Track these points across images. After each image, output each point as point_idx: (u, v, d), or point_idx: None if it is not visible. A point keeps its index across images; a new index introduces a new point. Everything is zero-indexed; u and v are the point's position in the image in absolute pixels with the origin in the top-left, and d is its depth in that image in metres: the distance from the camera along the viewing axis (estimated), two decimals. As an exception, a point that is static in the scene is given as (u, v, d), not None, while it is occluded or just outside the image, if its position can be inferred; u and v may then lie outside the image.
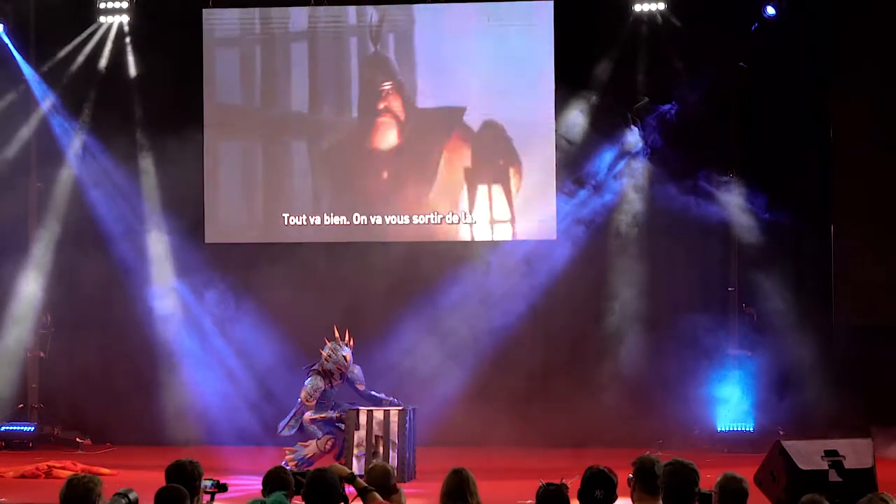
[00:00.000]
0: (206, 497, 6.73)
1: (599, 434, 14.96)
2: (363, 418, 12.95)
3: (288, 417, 13.26)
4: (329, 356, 13.10)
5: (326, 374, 13.14)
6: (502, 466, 13.42)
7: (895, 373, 15.52)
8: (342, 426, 13.05)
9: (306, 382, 13.13)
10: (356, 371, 13.32)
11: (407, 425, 12.89)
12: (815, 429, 14.42)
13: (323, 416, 13.13)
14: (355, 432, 12.90)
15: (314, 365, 13.21)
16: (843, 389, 15.13)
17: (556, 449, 14.60)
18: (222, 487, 6.76)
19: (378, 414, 12.96)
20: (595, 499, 6.19)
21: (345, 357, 13.14)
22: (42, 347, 16.65)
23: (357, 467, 12.31)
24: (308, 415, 13.08)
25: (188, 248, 16.35)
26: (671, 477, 6.17)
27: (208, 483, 6.73)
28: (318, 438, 13.04)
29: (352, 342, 13.28)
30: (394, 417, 12.91)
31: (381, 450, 12.87)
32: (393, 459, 12.75)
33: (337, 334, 13.19)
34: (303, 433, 13.13)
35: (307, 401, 13.08)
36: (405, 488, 11.51)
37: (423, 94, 16.22)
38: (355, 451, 12.84)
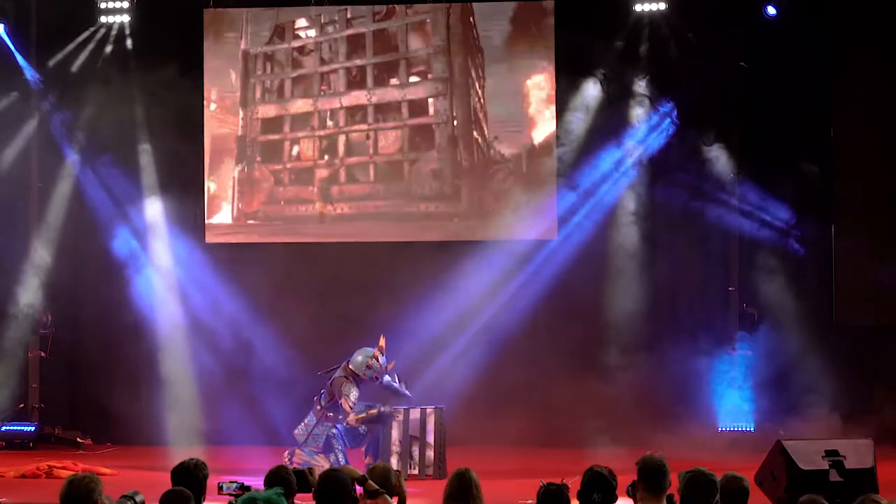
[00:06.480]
0: (231, 499, 6.68)
1: (600, 434, 14.92)
2: (399, 418, 13.08)
3: (309, 428, 13.07)
4: (371, 363, 13.04)
5: (357, 379, 13.06)
6: (502, 466, 13.40)
7: (895, 373, 15.53)
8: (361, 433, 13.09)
9: (345, 391, 12.88)
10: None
11: (442, 424, 13.08)
12: (816, 428, 14.42)
13: (369, 412, 12.99)
14: (391, 432, 13.03)
15: (335, 369, 13.13)
16: (843, 389, 15.13)
17: (556, 449, 14.59)
18: (246, 490, 6.63)
19: (414, 414, 13.10)
20: (593, 502, 6.18)
21: (386, 367, 13.15)
22: (42, 347, 16.65)
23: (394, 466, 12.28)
24: (353, 416, 12.89)
25: (189, 248, 16.34)
26: (689, 486, 6.12)
27: (233, 486, 6.68)
28: (339, 462, 12.67)
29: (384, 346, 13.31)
30: (430, 417, 13.07)
31: (416, 450, 12.98)
32: (429, 458, 12.94)
33: (382, 342, 13.18)
34: (326, 447, 12.98)
35: (348, 408, 12.92)
36: (420, 486, 11.65)
37: (423, 94, 16.21)
38: (393, 448, 12.96)
